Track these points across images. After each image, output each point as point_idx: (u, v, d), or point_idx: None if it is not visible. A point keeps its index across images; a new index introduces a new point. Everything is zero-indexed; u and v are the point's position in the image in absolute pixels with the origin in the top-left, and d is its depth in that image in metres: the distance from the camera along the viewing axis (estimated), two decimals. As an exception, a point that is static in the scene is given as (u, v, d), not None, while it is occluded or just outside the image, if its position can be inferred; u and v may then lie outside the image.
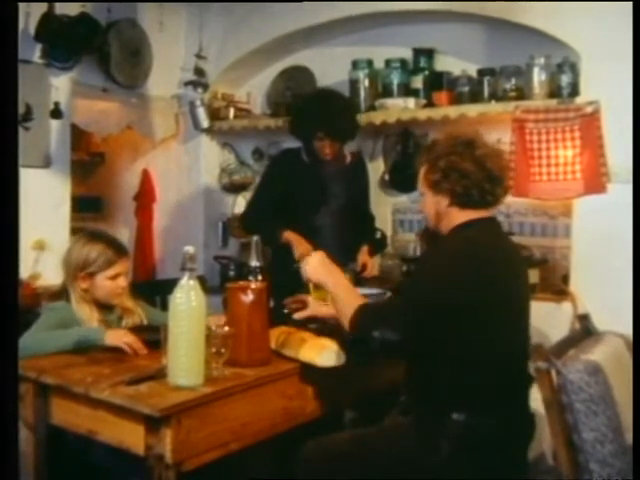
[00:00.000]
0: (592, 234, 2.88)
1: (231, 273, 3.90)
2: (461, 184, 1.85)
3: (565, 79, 3.00)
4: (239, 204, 4.25)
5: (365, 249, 3.05)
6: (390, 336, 1.74)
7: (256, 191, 3.20)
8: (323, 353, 1.91)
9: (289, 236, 2.84)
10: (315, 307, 2.19)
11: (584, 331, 2.21)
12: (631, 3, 2.21)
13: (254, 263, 2.07)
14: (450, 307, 1.75)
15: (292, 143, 3.25)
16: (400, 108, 3.39)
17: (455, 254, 1.83)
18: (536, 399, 1.83)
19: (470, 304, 1.76)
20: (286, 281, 2.32)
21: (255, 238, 2.10)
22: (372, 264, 3.07)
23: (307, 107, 3.02)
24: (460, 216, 1.89)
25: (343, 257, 2.81)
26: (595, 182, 2.87)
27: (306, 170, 3.01)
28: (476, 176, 1.85)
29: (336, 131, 2.88)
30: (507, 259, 1.92)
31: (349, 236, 3.01)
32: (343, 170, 3.06)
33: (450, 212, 1.90)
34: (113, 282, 2.23)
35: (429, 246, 3.31)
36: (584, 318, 2.27)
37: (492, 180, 1.87)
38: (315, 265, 2.03)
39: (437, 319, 1.75)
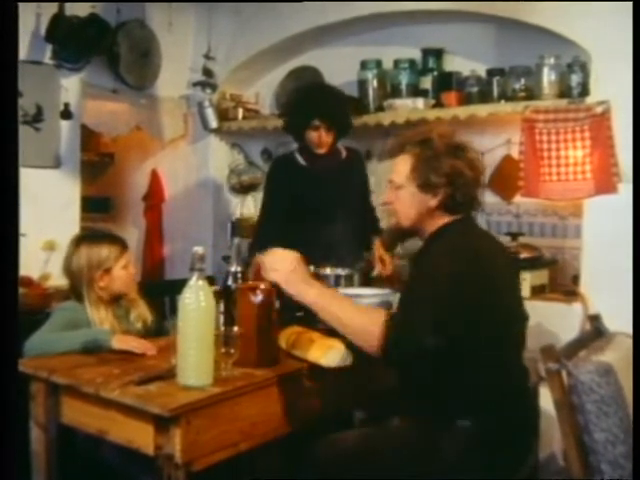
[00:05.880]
0: (602, 234, 2.86)
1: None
2: (462, 192, 1.81)
3: (575, 79, 2.99)
4: (248, 204, 4.26)
5: (378, 243, 3.01)
6: (431, 341, 1.63)
7: (262, 210, 3.06)
8: (329, 353, 1.91)
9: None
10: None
11: (595, 332, 2.20)
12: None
13: (234, 268, 2.04)
14: (468, 307, 1.68)
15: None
16: (409, 108, 3.38)
17: (462, 255, 1.77)
18: (547, 399, 1.82)
19: (479, 305, 1.74)
20: None
21: (236, 241, 2.06)
22: (389, 260, 3.01)
23: (303, 97, 3.02)
24: (444, 217, 1.85)
25: (352, 254, 2.80)
26: (606, 182, 2.85)
27: (303, 172, 2.96)
28: (473, 183, 1.83)
29: (332, 117, 2.84)
30: (500, 259, 1.88)
31: (356, 232, 2.95)
32: (340, 165, 3.00)
33: (434, 214, 1.85)
34: (126, 271, 2.32)
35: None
36: (595, 319, 2.26)
37: (479, 186, 1.85)
38: (285, 271, 1.78)
39: (456, 320, 1.67)
